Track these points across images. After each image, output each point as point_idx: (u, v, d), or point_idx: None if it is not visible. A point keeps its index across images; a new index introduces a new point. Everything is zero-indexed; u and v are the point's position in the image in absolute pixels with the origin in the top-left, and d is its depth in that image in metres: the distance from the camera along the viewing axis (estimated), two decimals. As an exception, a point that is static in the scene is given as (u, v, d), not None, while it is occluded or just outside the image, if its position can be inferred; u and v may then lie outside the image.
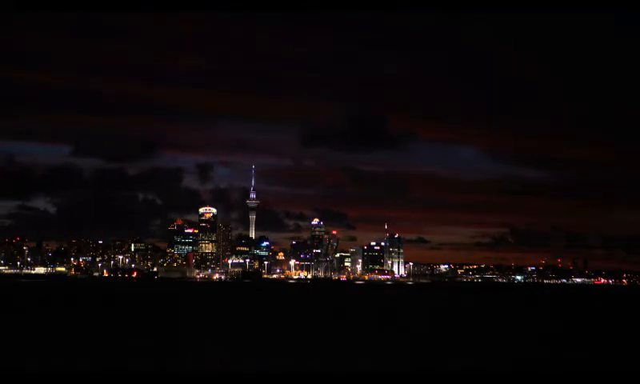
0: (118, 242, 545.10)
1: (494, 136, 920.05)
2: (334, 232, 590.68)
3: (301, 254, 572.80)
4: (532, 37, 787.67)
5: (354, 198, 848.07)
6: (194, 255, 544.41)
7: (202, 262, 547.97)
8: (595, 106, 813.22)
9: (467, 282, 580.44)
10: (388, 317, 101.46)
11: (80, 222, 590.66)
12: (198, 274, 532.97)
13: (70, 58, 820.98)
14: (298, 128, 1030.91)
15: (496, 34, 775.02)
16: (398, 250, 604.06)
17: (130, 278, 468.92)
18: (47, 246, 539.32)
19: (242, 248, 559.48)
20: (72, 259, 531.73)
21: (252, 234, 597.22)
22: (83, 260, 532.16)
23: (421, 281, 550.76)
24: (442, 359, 51.22)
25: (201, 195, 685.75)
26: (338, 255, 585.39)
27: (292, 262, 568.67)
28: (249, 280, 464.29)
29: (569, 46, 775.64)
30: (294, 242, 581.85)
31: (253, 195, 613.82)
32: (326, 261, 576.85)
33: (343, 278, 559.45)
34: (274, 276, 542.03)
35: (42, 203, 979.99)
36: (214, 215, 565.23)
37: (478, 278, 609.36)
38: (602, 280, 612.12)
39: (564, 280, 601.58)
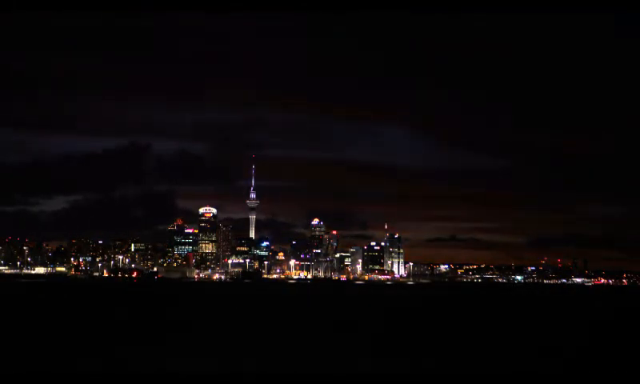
0: (118, 242, 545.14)
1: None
2: (334, 232, 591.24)
3: (301, 254, 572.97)
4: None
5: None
6: (193, 255, 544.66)
7: (202, 261, 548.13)
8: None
9: (467, 282, 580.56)
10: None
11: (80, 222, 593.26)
12: (198, 273, 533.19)
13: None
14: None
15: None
16: (398, 250, 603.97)
17: (130, 278, 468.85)
18: (47, 246, 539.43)
19: (241, 248, 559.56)
20: (72, 259, 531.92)
21: (252, 234, 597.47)
22: (83, 260, 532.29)
23: (421, 281, 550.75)
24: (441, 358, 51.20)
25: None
26: (338, 255, 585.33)
27: (292, 262, 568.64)
28: (249, 280, 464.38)
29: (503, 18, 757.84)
30: (294, 242, 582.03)
31: (253, 195, 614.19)
32: (326, 261, 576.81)
33: (343, 278, 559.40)
34: (274, 276, 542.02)
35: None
36: (214, 215, 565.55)
37: (478, 278, 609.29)
38: (602, 280, 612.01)
39: (564, 280, 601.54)
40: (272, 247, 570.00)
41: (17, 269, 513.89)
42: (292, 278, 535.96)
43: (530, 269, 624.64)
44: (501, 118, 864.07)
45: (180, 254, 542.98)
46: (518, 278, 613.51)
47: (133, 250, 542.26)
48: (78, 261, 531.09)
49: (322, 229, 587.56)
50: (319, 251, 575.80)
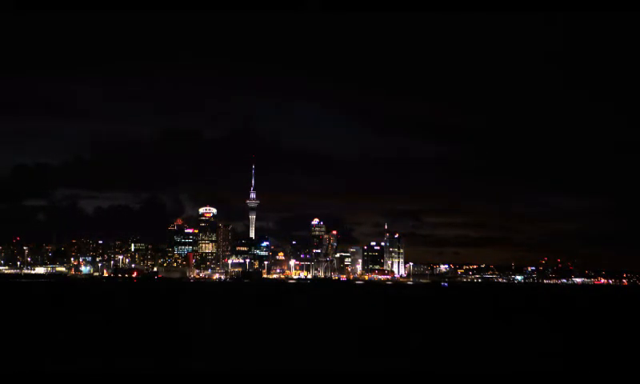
0: (118, 242, 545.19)
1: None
2: (334, 232, 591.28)
3: (301, 254, 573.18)
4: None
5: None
6: (194, 255, 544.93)
7: (202, 261, 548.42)
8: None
9: (467, 281, 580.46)
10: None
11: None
12: (198, 273, 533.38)
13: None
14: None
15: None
16: (398, 249, 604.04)
17: (130, 278, 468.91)
18: (47, 246, 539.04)
19: (241, 248, 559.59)
20: (72, 259, 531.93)
21: (252, 234, 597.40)
22: (83, 260, 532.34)
23: (421, 281, 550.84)
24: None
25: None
26: (338, 255, 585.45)
27: (292, 262, 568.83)
28: (248, 280, 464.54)
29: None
30: (293, 242, 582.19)
31: (253, 195, 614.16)
32: (326, 261, 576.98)
33: (343, 277, 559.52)
34: (274, 276, 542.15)
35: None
36: (214, 215, 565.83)
37: (479, 278, 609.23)
38: (602, 280, 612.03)
39: (564, 280, 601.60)
40: (272, 247, 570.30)
41: (17, 269, 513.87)
42: (292, 278, 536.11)
43: (530, 269, 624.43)
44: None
45: (180, 254, 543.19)
46: (518, 277, 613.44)
47: (133, 249, 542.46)
48: (78, 261, 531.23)
49: (322, 229, 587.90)
50: (319, 251, 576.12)
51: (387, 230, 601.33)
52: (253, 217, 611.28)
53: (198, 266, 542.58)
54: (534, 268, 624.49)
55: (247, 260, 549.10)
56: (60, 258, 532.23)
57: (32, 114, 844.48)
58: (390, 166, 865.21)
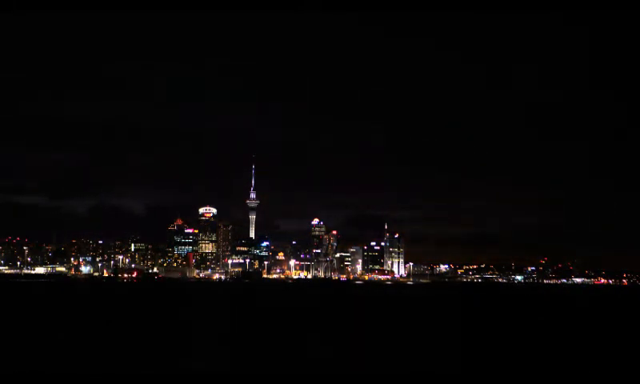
0: (117, 242, 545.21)
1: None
2: (334, 232, 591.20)
3: (301, 254, 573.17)
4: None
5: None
6: (194, 255, 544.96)
7: (202, 261, 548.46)
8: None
9: (467, 282, 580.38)
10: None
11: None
12: (198, 273, 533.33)
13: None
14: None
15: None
16: (398, 249, 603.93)
17: (130, 278, 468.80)
18: (47, 246, 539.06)
19: (241, 248, 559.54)
20: (72, 259, 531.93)
21: (252, 234, 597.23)
22: (83, 260, 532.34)
23: (421, 281, 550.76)
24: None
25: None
26: (338, 255, 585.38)
27: (292, 262, 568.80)
28: (248, 280, 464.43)
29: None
30: (293, 242, 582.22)
31: (253, 195, 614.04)
32: (326, 261, 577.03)
33: (343, 277, 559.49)
34: (274, 276, 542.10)
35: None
36: (214, 215, 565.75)
37: (479, 278, 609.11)
38: (602, 280, 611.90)
39: (564, 280, 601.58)
40: (272, 247, 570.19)
41: (17, 269, 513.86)
42: (292, 278, 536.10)
43: (530, 269, 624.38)
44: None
45: (180, 254, 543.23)
46: (518, 277, 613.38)
47: (133, 249, 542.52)
48: (78, 261, 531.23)
49: (322, 229, 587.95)
50: (319, 251, 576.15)
51: (387, 230, 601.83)
52: (253, 217, 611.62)
53: (197, 266, 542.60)
54: (534, 268, 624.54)
55: (247, 260, 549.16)
56: (60, 258, 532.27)
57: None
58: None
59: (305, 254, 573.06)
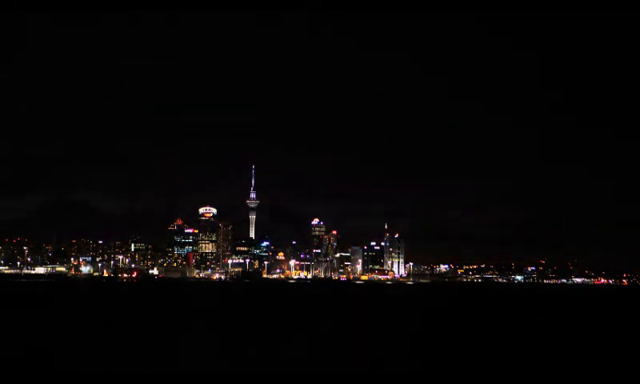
0: (118, 242, 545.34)
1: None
2: (334, 232, 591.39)
3: (301, 254, 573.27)
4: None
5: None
6: (193, 255, 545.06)
7: (202, 261, 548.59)
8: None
9: (467, 282, 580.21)
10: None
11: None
12: (198, 273, 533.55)
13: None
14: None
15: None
16: (398, 249, 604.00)
17: (130, 278, 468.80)
18: (47, 246, 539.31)
19: (241, 248, 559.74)
20: (72, 259, 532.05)
21: (252, 234, 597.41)
22: (83, 260, 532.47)
23: (421, 281, 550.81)
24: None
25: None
26: (338, 255, 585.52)
27: (292, 262, 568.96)
28: (248, 280, 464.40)
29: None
30: (293, 242, 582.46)
31: (253, 195, 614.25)
32: (326, 261, 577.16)
33: (343, 277, 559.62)
34: (274, 276, 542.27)
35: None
36: (214, 215, 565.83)
37: (479, 278, 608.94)
38: (602, 280, 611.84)
39: (564, 280, 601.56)
40: (272, 247, 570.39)
41: (17, 269, 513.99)
42: (292, 278, 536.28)
43: (530, 269, 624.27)
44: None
45: (180, 254, 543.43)
46: (518, 277, 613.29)
47: (133, 249, 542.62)
48: (78, 261, 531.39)
49: (322, 229, 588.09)
50: (319, 251, 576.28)
51: (387, 230, 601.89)
52: (253, 217, 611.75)
53: (197, 266, 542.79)
54: (533, 268, 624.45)
55: (247, 260, 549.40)
56: (60, 258, 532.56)
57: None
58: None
59: (305, 254, 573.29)
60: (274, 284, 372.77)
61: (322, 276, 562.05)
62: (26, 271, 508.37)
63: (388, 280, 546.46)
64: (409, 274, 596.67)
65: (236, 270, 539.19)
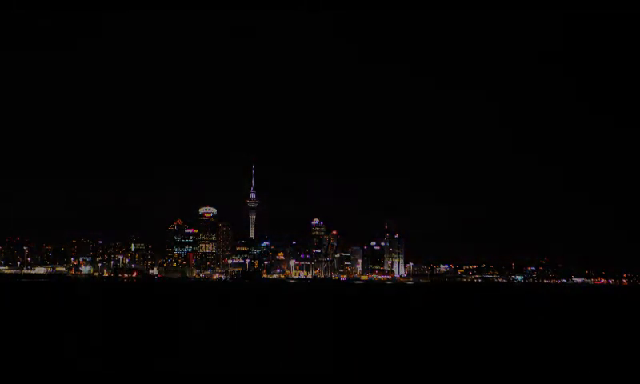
0: (117, 242, 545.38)
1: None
2: (334, 232, 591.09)
3: (301, 254, 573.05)
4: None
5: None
6: (193, 255, 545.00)
7: (202, 261, 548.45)
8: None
9: (467, 282, 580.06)
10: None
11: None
12: (198, 273, 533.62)
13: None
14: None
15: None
16: (398, 249, 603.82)
17: (130, 278, 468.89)
18: (47, 246, 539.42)
19: (241, 248, 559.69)
20: (72, 259, 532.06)
21: (252, 234, 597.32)
22: (83, 260, 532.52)
23: (421, 281, 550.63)
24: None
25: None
26: (338, 255, 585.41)
27: (292, 262, 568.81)
28: (248, 280, 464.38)
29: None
30: (293, 242, 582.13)
31: (253, 195, 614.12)
32: (326, 261, 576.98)
33: (343, 277, 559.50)
34: (274, 276, 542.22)
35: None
36: (214, 215, 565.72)
37: (479, 278, 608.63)
38: (602, 280, 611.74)
39: (564, 280, 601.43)
40: (272, 247, 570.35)
41: (17, 269, 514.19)
42: (292, 278, 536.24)
43: (530, 269, 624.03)
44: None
45: (180, 254, 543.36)
46: (518, 277, 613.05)
47: (133, 250, 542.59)
48: (78, 261, 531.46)
49: (322, 229, 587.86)
50: (319, 251, 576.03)
51: (387, 230, 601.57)
52: (253, 217, 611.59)
53: (197, 266, 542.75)
54: (534, 268, 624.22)
55: (247, 260, 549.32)
56: (60, 258, 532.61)
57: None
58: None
59: (305, 254, 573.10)
60: (274, 284, 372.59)
61: (322, 276, 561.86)
62: (26, 271, 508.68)
63: (388, 280, 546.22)
64: (409, 274, 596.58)
65: (236, 270, 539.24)
